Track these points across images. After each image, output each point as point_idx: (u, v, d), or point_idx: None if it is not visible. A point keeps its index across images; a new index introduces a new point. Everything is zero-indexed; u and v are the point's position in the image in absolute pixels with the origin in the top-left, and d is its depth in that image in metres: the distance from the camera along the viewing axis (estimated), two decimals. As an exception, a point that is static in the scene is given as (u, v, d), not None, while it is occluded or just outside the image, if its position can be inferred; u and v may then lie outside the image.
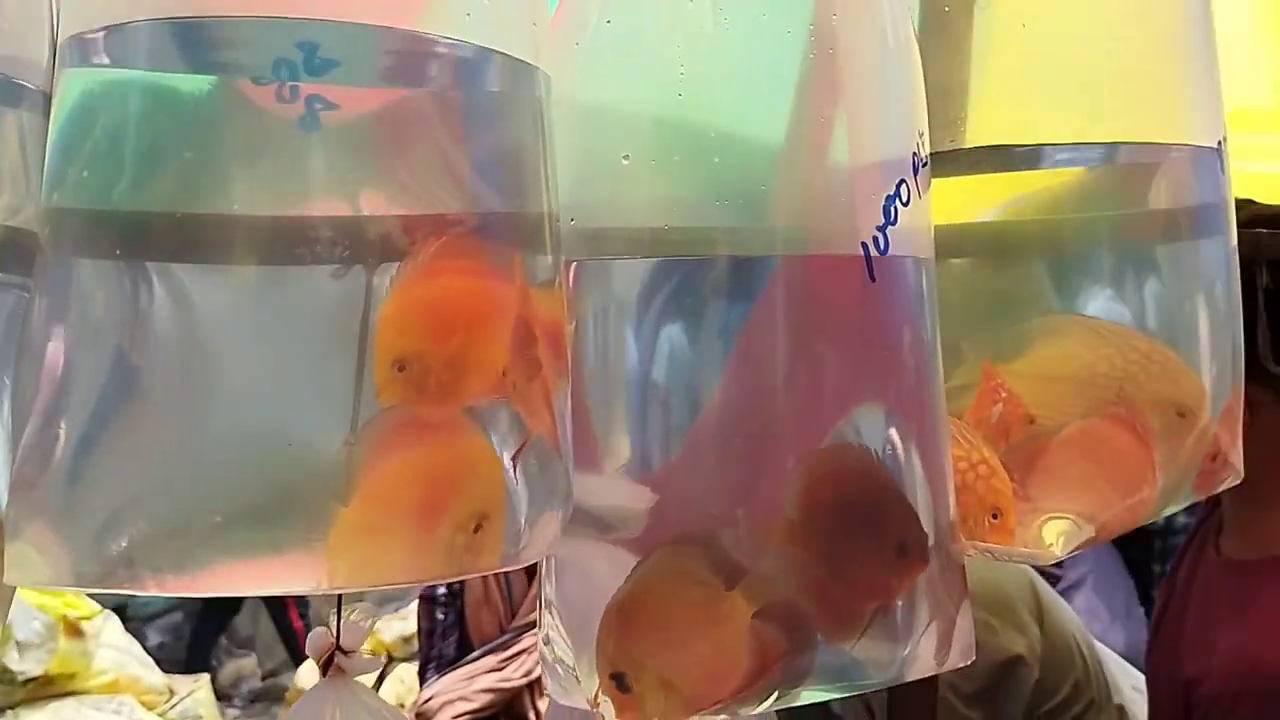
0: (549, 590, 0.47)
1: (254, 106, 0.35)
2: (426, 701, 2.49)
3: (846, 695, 0.48)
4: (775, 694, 0.46)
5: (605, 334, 0.45)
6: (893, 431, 0.46)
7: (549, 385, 0.44)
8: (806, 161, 0.43)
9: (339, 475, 0.37)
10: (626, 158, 0.43)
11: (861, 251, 0.43)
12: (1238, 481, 0.60)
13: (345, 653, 0.52)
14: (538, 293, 0.43)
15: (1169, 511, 0.56)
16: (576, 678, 0.45)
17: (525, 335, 0.43)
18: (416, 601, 2.76)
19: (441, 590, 2.84)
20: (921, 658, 0.48)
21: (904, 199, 0.44)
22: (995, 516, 0.52)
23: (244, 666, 4.54)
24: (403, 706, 2.80)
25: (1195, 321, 0.57)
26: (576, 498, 0.46)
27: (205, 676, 3.77)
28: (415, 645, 2.95)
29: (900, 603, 0.47)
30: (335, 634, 0.51)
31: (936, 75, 0.52)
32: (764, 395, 0.44)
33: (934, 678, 0.74)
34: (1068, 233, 0.56)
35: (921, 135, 0.46)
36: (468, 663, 2.38)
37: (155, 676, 3.32)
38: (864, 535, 0.45)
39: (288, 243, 0.37)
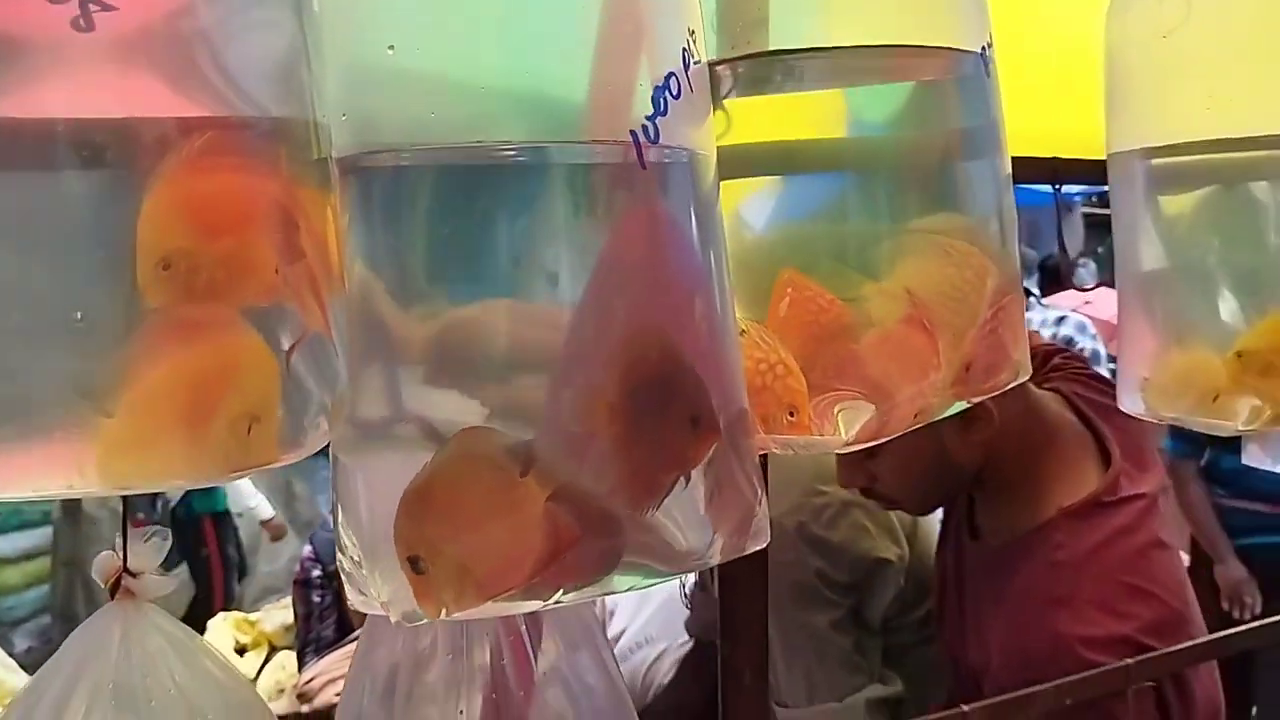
0: (338, 495, 0.47)
1: (27, 5, 0.34)
2: (308, 682, 2.45)
3: (653, 582, 0.48)
4: (576, 583, 0.47)
5: (382, 232, 0.44)
6: (679, 315, 0.47)
7: (319, 281, 0.43)
8: (574, 52, 0.43)
9: (105, 382, 0.37)
10: (391, 48, 0.42)
11: (631, 139, 0.43)
12: (1025, 376, 0.63)
13: (133, 575, 0.50)
14: (306, 192, 0.43)
15: (952, 410, 0.58)
16: (368, 582, 0.45)
17: (294, 231, 0.43)
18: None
19: (316, 573, 2.79)
20: (722, 542, 0.49)
21: (674, 91, 0.45)
22: (792, 414, 0.54)
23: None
24: (283, 692, 2.74)
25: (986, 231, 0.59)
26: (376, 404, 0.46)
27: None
28: (297, 632, 2.89)
29: (701, 488, 0.48)
30: (122, 556, 0.50)
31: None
32: (554, 286, 0.45)
33: (764, 582, 0.76)
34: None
35: (693, 33, 0.46)
36: (348, 642, 2.35)
37: (19, 680, 3.19)
38: (663, 409, 0.46)
39: (48, 145, 0.37)
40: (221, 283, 0.42)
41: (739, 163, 0.57)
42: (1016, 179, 0.83)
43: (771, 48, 0.56)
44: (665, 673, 1.56)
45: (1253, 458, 0.97)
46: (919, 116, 0.55)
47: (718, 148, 0.56)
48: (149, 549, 0.52)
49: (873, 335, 0.55)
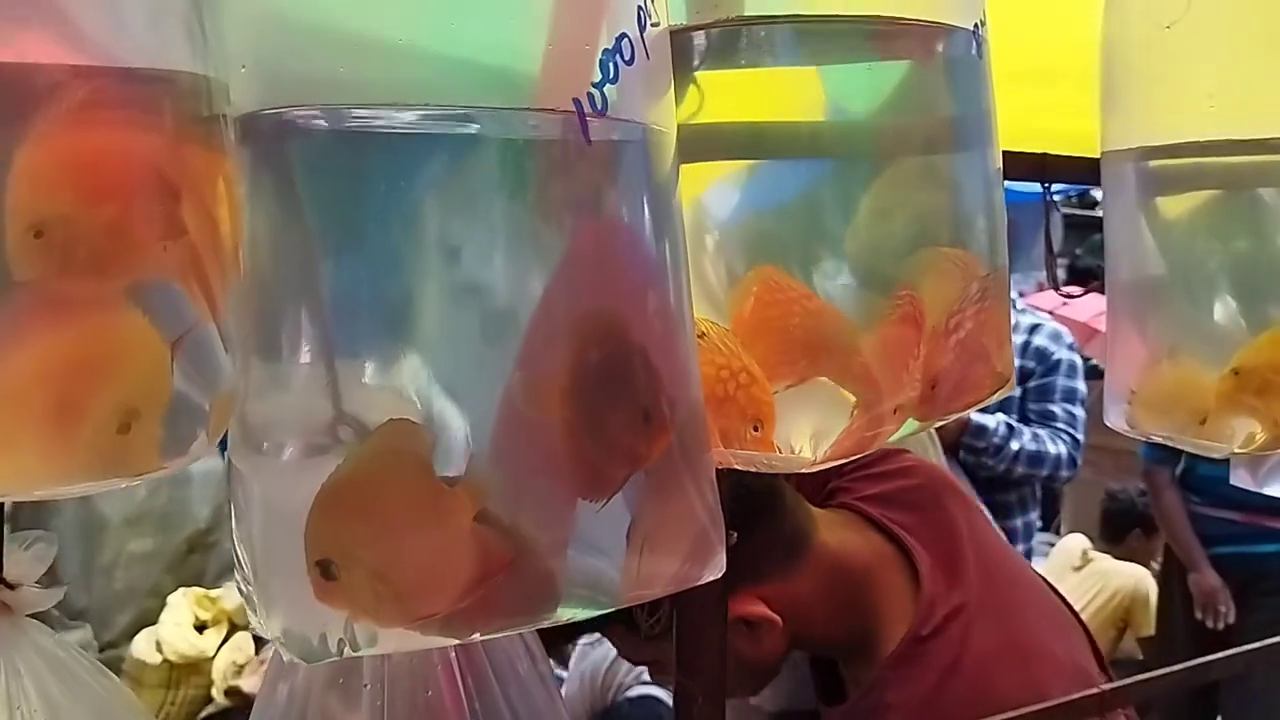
0: (232, 505, 0.41)
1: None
2: (264, 663, 2.39)
3: (594, 612, 0.43)
4: (507, 618, 0.42)
5: (282, 206, 0.39)
6: (632, 306, 0.42)
7: (204, 261, 0.37)
8: (510, 7, 0.37)
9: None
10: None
11: (574, 108, 0.37)
12: (1009, 392, 0.58)
13: (10, 586, 0.45)
14: (194, 157, 0.37)
15: (951, 406, 0.53)
16: (260, 610, 0.39)
17: (175, 203, 0.37)
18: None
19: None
20: (672, 570, 0.44)
21: (626, 56, 0.39)
22: (756, 428, 0.48)
23: (80, 638, 4.33)
24: (240, 671, 2.68)
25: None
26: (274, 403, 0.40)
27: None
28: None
29: (646, 507, 0.43)
30: (-5, 565, 0.44)
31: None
32: (485, 271, 0.40)
33: (723, 611, 0.71)
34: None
35: (650, -10, 0.41)
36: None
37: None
38: (613, 399, 0.42)
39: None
40: (105, 256, 0.37)
41: (705, 144, 0.51)
42: (1003, 175, 0.78)
43: (745, 14, 0.50)
44: (626, 672, 1.51)
45: (1241, 480, 0.91)
46: (904, 99, 0.50)
47: (689, 127, 0.51)
48: (29, 558, 0.46)
49: (856, 338, 0.50)
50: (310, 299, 0.40)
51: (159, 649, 2.80)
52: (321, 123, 0.38)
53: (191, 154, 0.37)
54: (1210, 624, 2.63)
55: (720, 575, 0.45)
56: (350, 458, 0.39)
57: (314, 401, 0.40)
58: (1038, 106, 0.96)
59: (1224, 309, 0.72)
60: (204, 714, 2.03)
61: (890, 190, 0.49)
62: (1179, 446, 0.75)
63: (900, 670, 0.92)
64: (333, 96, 0.38)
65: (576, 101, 0.37)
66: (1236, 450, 0.70)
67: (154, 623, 2.58)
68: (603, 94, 0.38)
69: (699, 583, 0.45)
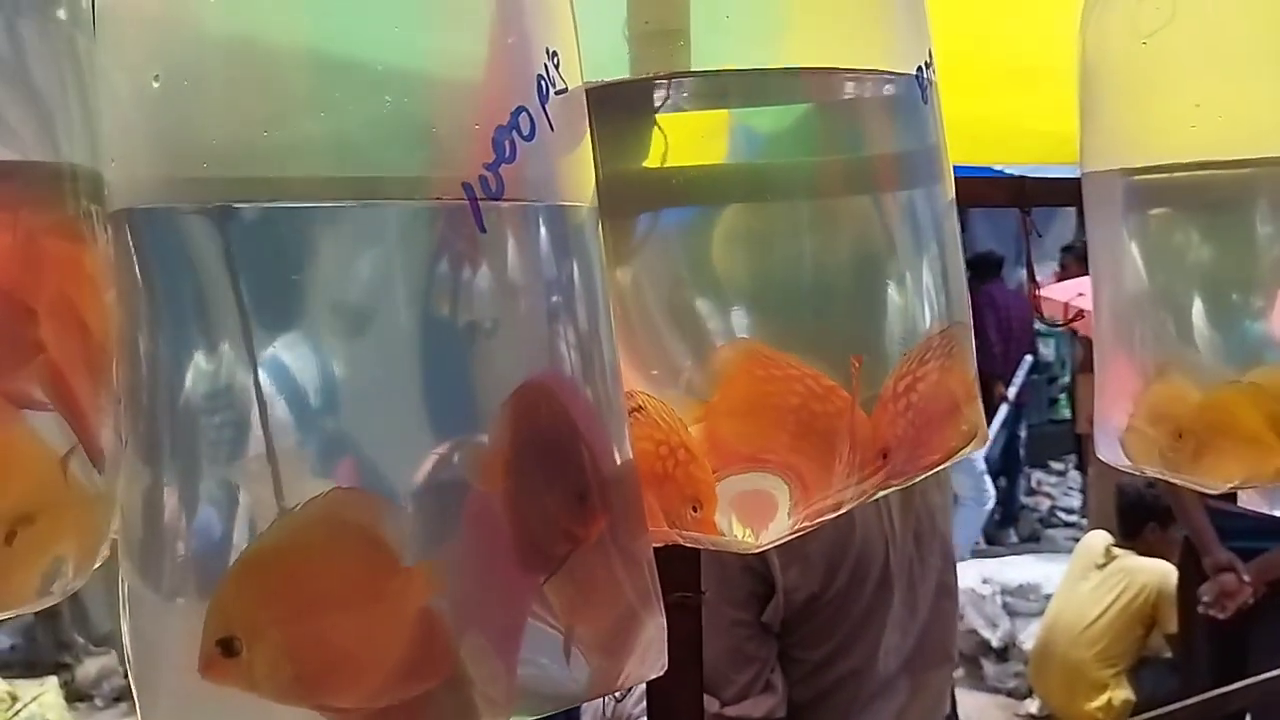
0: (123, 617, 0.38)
1: None
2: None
3: (541, 713, 0.40)
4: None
5: (149, 302, 0.36)
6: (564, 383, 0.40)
7: (68, 370, 0.35)
8: (395, 85, 0.35)
9: None
10: (156, 79, 0.34)
11: (465, 194, 0.35)
12: (980, 447, 0.55)
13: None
14: (57, 256, 0.35)
15: (911, 468, 0.50)
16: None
17: (33, 320, 0.34)
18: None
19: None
20: (604, 669, 0.41)
21: (524, 131, 0.36)
22: (695, 508, 0.46)
23: (105, 665, 4.35)
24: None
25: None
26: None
27: (53, 679, 3.58)
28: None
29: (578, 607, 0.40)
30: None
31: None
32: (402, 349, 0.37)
33: (698, 669, 0.68)
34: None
35: (555, 55, 0.38)
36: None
37: (-5, 682, 3.14)
38: (550, 478, 0.39)
39: None
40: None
41: (671, 188, 0.49)
42: (981, 201, 0.75)
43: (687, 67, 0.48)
44: (635, 703, 1.48)
45: (1251, 502, 0.88)
46: (839, 142, 0.47)
47: (652, 171, 0.48)
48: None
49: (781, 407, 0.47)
50: (235, 397, 0.38)
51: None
52: (202, 218, 0.36)
53: (53, 253, 0.35)
54: (1219, 614, 2.58)
55: (662, 673, 0.42)
56: (277, 526, 0.35)
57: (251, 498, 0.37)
58: (1021, 109, 0.93)
59: (1211, 329, 0.68)
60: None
61: (826, 235, 0.46)
62: (1173, 480, 0.72)
63: None
64: (209, 194, 0.35)
65: (467, 186, 0.35)
66: (1227, 488, 0.67)
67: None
68: (498, 175, 0.35)
69: (637, 682, 0.42)
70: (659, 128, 0.49)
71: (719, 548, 0.47)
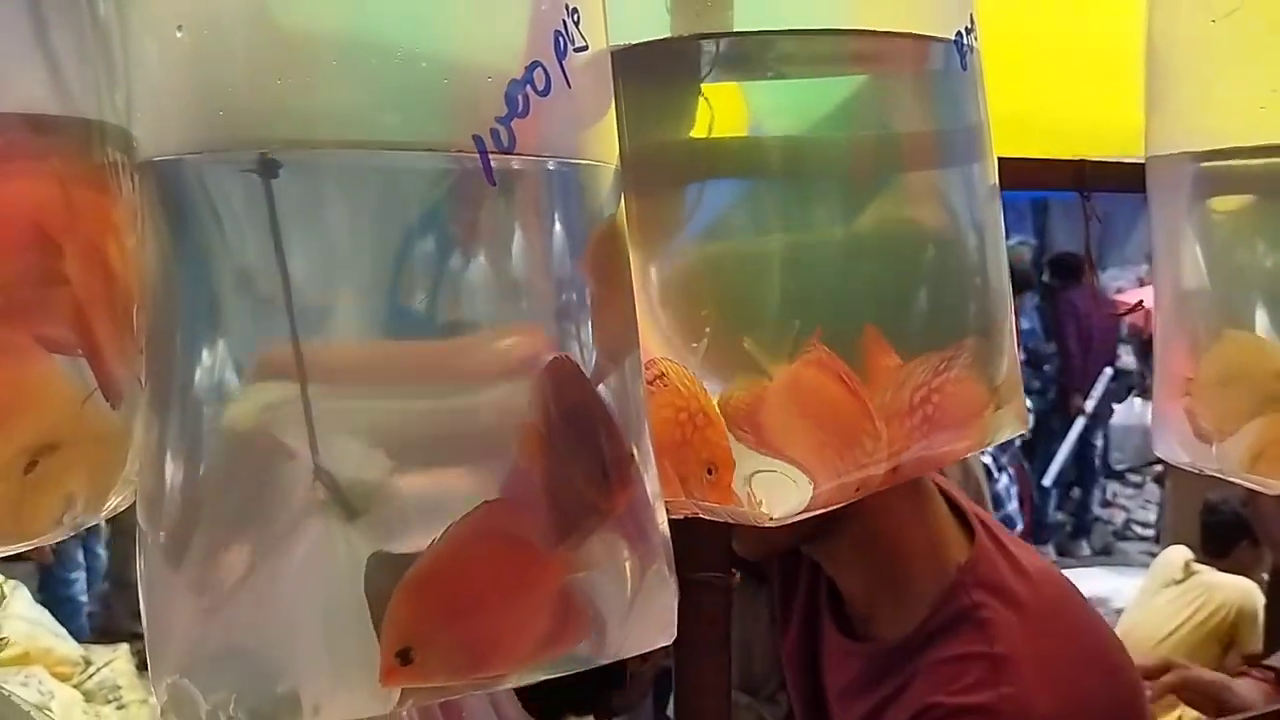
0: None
1: None
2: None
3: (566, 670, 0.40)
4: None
5: (174, 255, 0.37)
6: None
7: (95, 319, 0.36)
8: (411, 35, 0.35)
9: None
10: (180, 29, 0.34)
11: (475, 146, 0.35)
12: (1022, 429, 0.53)
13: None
14: (83, 202, 0.36)
15: (925, 466, 0.49)
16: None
17: (58, 256, 0.35)
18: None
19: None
20: (624, 634, 0.41)
21: (540, 87, 0.36)
22: (710, 471, 0.45)
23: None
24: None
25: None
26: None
27: (124, 646, 3.69)
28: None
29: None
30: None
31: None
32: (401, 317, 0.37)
33: (726, 659, 0.67)
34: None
35: (575, 12, 0.38)
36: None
37: (68, 647, 3.24)
38: (576, 452, 0.40)
39: None
40: (8, 305, 0.35)
41: (717, 160, 0.48)
42: (1038, 185, 0.72)
43: (730, 29, 0.47)
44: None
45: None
46: (872, 115, 0.46)
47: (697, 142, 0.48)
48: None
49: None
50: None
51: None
52: (225, 165, 0.36)
53: (80, 202, 0.36)
54: None
55: (671, 641, 0.42)
56: (436, 543, 0.37)
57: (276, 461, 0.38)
58: (1078, 100, 0.90)
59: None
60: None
61: (857, 213, 0.45)
62: (1234, 481, 0.69)
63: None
64: (230, 143, 0.36)
65: (477, 139, 0.35)
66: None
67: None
68: (509, 129, 0.35)
69: (651, 648, 0.42)
70: (704, 98, 0.49)
71: (734, 519, 0.46)
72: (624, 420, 0.41)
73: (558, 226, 0.38)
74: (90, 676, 3.35)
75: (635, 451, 0.41)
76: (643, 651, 0.42)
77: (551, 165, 0.38)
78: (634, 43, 0.47)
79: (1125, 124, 0.74)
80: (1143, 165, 0.73)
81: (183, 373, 0.38)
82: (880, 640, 0.90)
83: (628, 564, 0.41)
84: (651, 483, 0.42)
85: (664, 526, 0.42)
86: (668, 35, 0.49)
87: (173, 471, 0.36)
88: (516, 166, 0.36)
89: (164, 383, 0.37)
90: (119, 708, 3.09)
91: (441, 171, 0.36)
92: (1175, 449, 0.70)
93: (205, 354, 0.38)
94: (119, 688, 3.39)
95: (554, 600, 0.39)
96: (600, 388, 0.41)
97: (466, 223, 0.36)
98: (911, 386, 0.45)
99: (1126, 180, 0.76)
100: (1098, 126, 0.87)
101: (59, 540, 0.36)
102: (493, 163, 0.35)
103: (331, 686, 0.38)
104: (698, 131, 0.49)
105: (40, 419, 0.35)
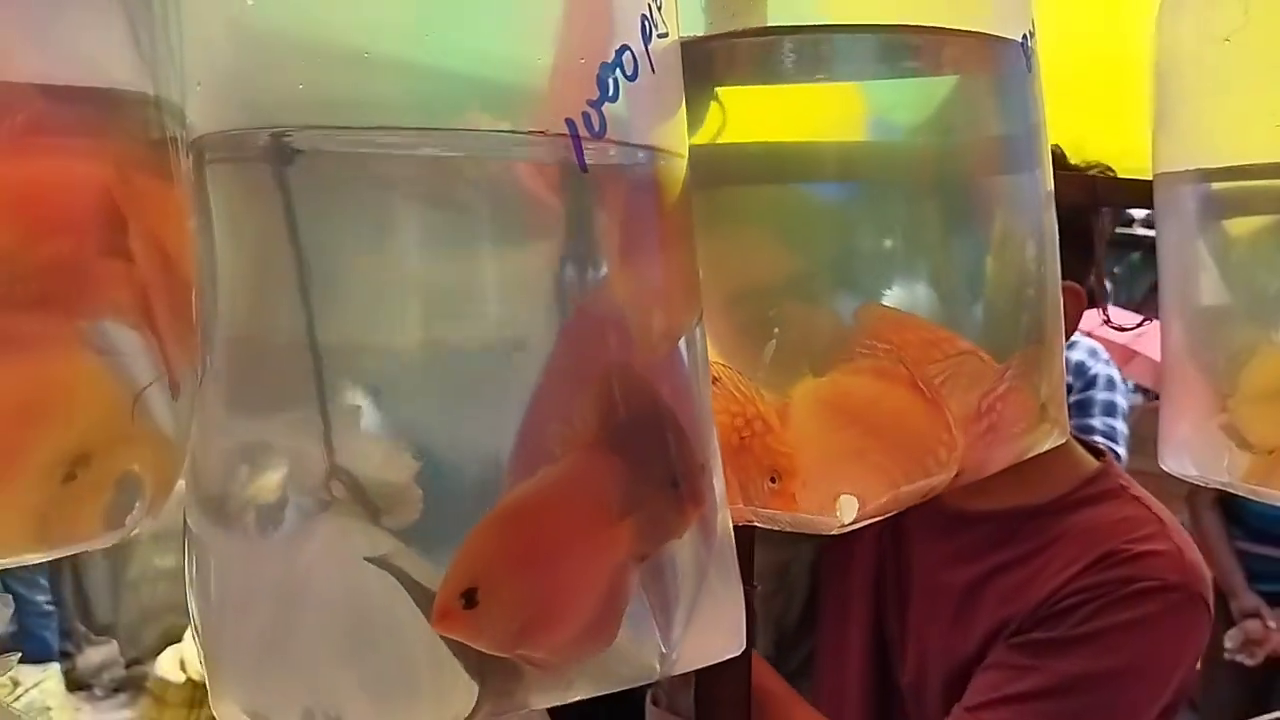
0: (188, 580, 0.36)
1: None
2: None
3: (605, 690, 0.38)
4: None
5: (233, 239, 0.34)
6: (649, 362, 0.38)
7: (156, 301, 0.33)
8: (498, 12, 0.33)
9: None
10: (252, -1, 0.32)
11: (567, 129, 0.33)
12: (1062, 439, 0.52)
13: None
14: (142, 182, 0.33)
15: (981, 475, 0.48)
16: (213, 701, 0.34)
17: (124, 231, 0.33)
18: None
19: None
20: (694, 648, 0.40)
21: (629, 71, 0.34)
22: (774, 479, 0.44)
23: (106, 655, 4.33)
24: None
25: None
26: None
27: (55, 666, 3.57)
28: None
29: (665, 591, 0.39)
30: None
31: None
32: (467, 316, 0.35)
33: (747, 666, 0.66)
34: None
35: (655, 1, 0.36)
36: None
37: (-6, 667, 3.11)
38: (640, 464, 0.38)
39: None
40: (51, 294, 0.33)
41: (730, 167, 0.47)
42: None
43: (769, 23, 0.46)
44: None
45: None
46: (946, 118, 0.45)
47: (710, 149, 0.46)
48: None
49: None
50: (291, 341, 0.36)
51: (183, 667, 2.78)
52: (290, 144, 0.34)
53: (140, 181, 0.33)
54: (1247, 661, 2.52)
55: (740, 651, 0.40)
56: (525, 484, 0.35)
57: (301, 456, 0.36)
58: (1084, 123, 0.90)
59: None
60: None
61: (928, 221, 0.44)
62: (1241, 493, 0.69)
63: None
64: (299, 117, 0.33)
65: (570, 122, 0.33)
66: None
67: (180, 640, 2.56)
68: (600, 113, 0.34)
69: (719, 660, 0.40)
70: (718, 101, 0.47)
71: (795, 528, 0.45)
72: (693, 426, 0.39)
73: (642, 215, 0.36)
74: (19, 698, 3.22)
75: (707, 460, 0.40)
76: (709, 663, 0.40)
77: (638, 154, 0.36)
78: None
79: (1135, 141, 0.75)
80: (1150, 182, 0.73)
81: (236, 364, 0.35)
82: (1003, 508, 0.94)
83: (692, 566, 0.39)
84: (720, 487, 0.40)
85: (729, 532, 0.41)
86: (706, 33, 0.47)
87: (231, 463, 0.34)
88: (605, 153, 0.34)
89: (219, 375, 0.35)
90: (49, 731, 2.98)
91: (530, 156, 0.34)
92: (1186, 464, 0.70)
93: (255, 344, 0.36)
94: (48, 708, 3.27)
95: (612, 575, 0.36)
96: (668, 390, 0.39)
97: (553, 210, 0.34)
98: (980, 393, 0.44)
99: (1136, 196, 0.77)
100: (1109, 143, 0.88)
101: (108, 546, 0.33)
102: (585, 149, 0.33)
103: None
104: (706, 136, 0.48)
105: (79, 421, 0.33)
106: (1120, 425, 2.36)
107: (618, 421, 0.37)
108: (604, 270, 0.36)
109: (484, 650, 0.35)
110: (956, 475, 0.45)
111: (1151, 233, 0.75)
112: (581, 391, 0.36)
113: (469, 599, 0.34)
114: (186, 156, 0.35)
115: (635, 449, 0.37)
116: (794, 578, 1.17)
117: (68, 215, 0.33)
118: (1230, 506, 2.60)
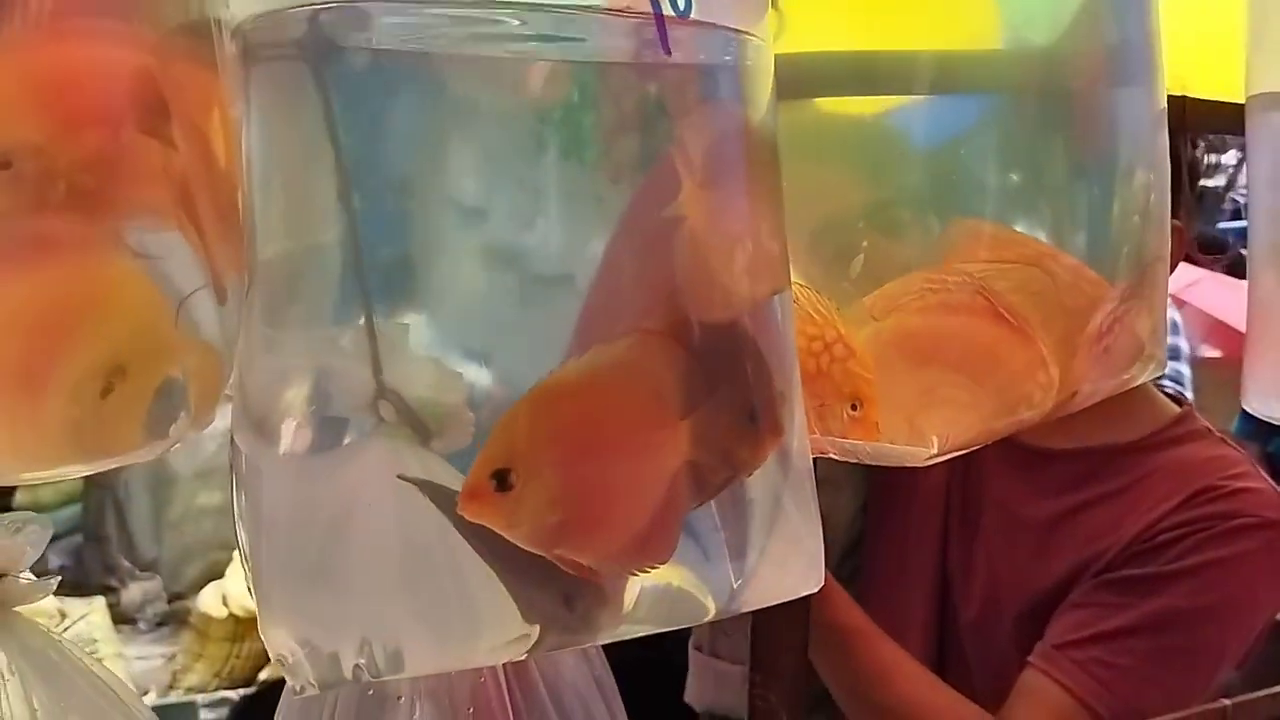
0: (234, 498, 0.34)
1: None
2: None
3: (669, 627, 0.36)
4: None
5: (282, 136, 0.31)
6: (732, 277, 0.35)
7: (199, 200, 0.31)
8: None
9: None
10: None
11: (651, 7, 0.29)
12: (1160, 372, 0.49)
13: (-2, 575, 0.39)
14: (187, 70, 0.30)
15: (1090, 401, 0.44)
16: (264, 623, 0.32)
17: (166, 119, 0.30)
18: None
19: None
20: (767, 585, 0.37)
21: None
22: (855, 407, 0.41)
23: (149, 589, 4.42)
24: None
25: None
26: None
27: (100, 599, 3.64)
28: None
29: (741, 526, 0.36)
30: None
31: None
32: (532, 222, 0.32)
33: (804, 605, 0.63)
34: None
35: None
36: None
37: (44, 600, 3.18)
38: (713, 392, 0.35)
39: None
40: (88, 192, 0.30)
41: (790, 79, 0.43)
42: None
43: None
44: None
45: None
46: (1055, 18, 0.41)
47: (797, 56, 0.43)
48: (19, 544, 0.40)
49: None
50: (339, 251, 0.33)
51: (225, 603, 2.82)
52: (338, 28, 0.31)
53: (179, 71, 0.30)
54: None
55: (819, 586, 0.38)
56: (576, 362, 0.32)
57: (346, 372, 0.33)
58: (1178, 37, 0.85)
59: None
60: (268, 667, 2.03)
61: (1039, 141, 0.40)
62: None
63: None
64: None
65: (654, 1, 0.30)
66: None
67: (222, 576, 2.60)
68: (684, -8, 0.30)
69: (791, 596, 0.38)
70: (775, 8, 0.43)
71: (876, 460, 0.42)
72: (773, 351, 0.36)
73: (730, 112, 0.33)
74: (65, 630, 3.29)
75: (786, 388, 0.37)
76: (784, 599, 0.38)
77: (725, 38, 0.32)
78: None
79: (1226, 64, 0.70)
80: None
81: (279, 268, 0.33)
82: (1086, 446, 0.92)
83: (767, 494, 0.37)
84: (799, 415, 0.37)
85: (809, 460, 0.38)
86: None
87: (282, 374, 0.31)
88: (692, 37, 0.31)
89: (263, 282, 0.32)
90: (96, 661, 3.03)
91: (608, 38, 0.30)
92: (1273, 406, 0.66)
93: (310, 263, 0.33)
94: (95, 640, 3.34)
95: (668, 480, 0.33)
96: (748, 319, 0.36)
97: (626, 111, 0.31)
98: (1101, 314, 0.41)
99: (1229, 121, 0.72)
100: (1198, 66, 0.82)
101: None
102: (669, 30, 0.30)
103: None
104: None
105: (118, 330, 0.30)
106: (1185, 369, 2.31)
107: (684, 318, 0.34)
108: (681, 184, 0.33)
109: (518, 544, 0.32)
110: (1072, 397, 0.41)
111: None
112: (646, 292, 0.33)
113: (502, 481, 0.31)
114: (230, 41, 0.32)
115: (703, 349, 0.34)
116: (833, 529, 1.15)
117: (102, 105, 0.30)
118: (1275, 457, 2.54)
